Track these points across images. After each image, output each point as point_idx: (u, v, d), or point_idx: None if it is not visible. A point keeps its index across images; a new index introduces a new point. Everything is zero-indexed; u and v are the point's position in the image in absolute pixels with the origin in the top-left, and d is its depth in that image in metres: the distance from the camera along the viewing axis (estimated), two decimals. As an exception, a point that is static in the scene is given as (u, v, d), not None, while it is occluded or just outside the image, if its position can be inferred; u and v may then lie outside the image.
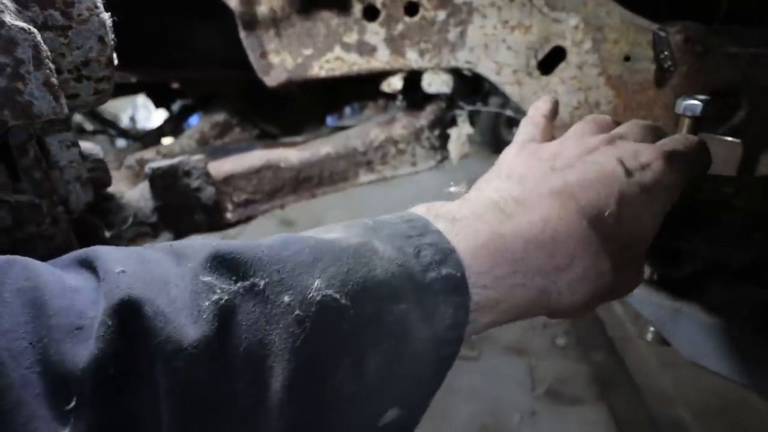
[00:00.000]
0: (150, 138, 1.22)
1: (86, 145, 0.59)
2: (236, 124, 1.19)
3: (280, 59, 0.84)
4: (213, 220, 0.77)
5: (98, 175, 0.48)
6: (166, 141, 1.25)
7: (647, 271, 0.64)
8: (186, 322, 0.26)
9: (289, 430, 0.28)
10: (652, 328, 0.66)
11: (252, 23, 0.81)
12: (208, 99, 1.35)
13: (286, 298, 0.28)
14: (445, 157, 0.95)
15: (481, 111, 0.95)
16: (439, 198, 0.41)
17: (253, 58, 0.83)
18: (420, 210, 0.37)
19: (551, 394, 2.27)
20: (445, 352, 0.33)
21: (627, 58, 0.72)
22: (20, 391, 0.22)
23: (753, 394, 0.57)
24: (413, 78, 0.89)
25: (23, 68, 0.37)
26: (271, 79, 0.84)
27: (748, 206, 0.49)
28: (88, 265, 0.28)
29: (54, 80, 0.38)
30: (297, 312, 0.28)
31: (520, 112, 0.96)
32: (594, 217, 0.36)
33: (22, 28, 0.37)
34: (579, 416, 2.18)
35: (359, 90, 1.23)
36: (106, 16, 0.44)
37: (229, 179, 0.79)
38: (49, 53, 0.38)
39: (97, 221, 0.57)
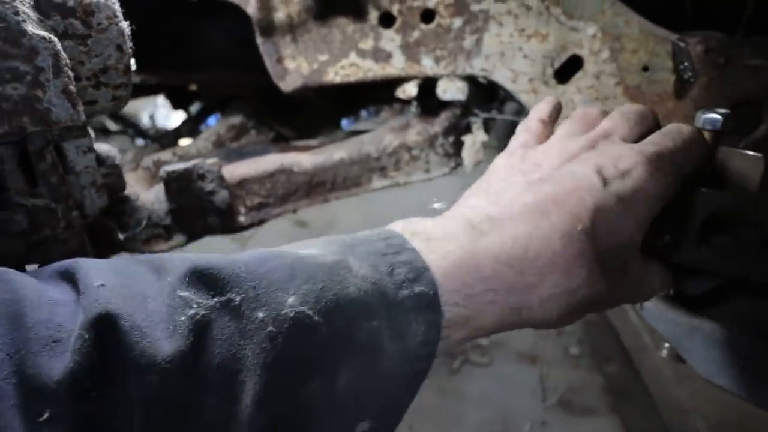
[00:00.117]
0: (167, 139, 1.24)
1: (103, 147, 0.61)
2: (252, 127, 1.20)
3: (296, 65, 0.85)
4: (226, 223, 0.77)
5: (113, 180, 0.48)
6: (184, 142, 1.26)
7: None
8: (161, 336, 0.26)
9: None
10: (667, 344, 0.64)
11: (269, 29, 0.82)
12: (225, 101, 1.37)
13: (261, 314, 0.29)
14: (458, 164, 0.95)
15: (495, 118, 0.94)
16: (451, 200, 0.42)
17: (269, 63, 0.84)
18: (398, 227, 0.38)
19: (563, 404, 2.24)
20: (417, 367, 0.34)
21: (645, 68, 0.70)
22: None
23: (772, 410, 0.55)
24: (428, 84, 0.89)
25: (43, 76, 0.38)
26: (287, 85, 0.85)
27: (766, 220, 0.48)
28: (69, 278, 0.29)
29: (72, 88, 0.39)
30: (270, 328, 0.28)
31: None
32: (566, 233, 0.36)
33: (43, 37, 0.38)
34: (591, 427, 2.14)
35: (374, 94, 1.23)
36: (125, 25, 0.44)
37: (242, 183, 0.79)
38: (68, 61, 0.39)
39: (111, 223, 0.58)
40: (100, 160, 0.57)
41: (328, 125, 1.29)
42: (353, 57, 0.85)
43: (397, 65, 0.85)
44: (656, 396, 2.24)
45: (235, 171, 0.78)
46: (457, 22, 0.81)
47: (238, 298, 0.29)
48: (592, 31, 0.73)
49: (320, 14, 0.83)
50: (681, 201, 0.45)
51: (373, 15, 0.83)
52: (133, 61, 0.48)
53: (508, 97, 0.94)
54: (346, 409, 0.32)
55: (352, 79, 0.86)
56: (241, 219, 0.79)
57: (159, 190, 0.70)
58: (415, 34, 0.83)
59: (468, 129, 0.94)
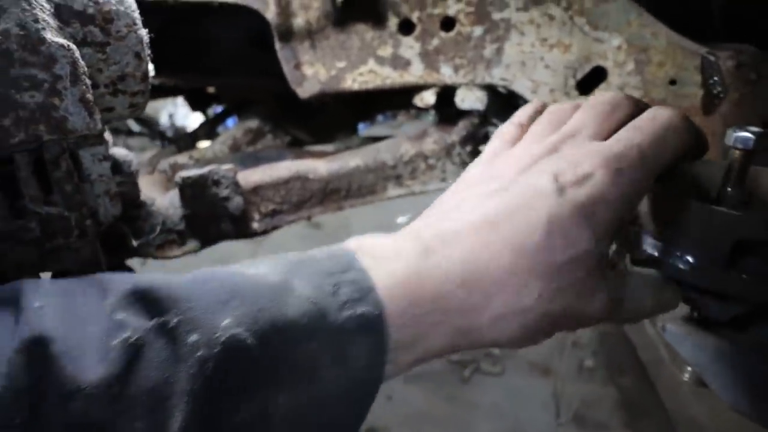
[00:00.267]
0: (185, 142, 1.25)
1: (120, 152, 0.61)
2: (268, 131, 1.20)
3: (314, 71, 0.84)
4: (239, 229, 0.77)
5: (127, 189, 0.48)
6: (201, 145, 1.27)
7: (685, 307, 0.61)
8: (92, 361, 0.26)
9: None
10: (690, 368, 0.62)
11: (287, 35, 0.82)
12: (242, 104, 1.37)
13: (194, 337, 0.28)
14: (475, 174, 0.93)
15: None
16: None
17: (286, 68, 0.84)
18: (351, 244, 0.37)
19: (576, 419, 2.20)
20: (362, 392, 0.32)
21: (672, 82, 0.68)
22: None
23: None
24: (446, 93, 0.88)
25: (60, 84, 0.37)
26: (304, 91, 0.85)
27: None
28: (11, 300, 0.28)
29: (89, 96, 0.39)
30: (201, 352, 0.27)
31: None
32: (517, 249, 0.34)
33: (62, 45, 0.37)
34: (604, 443, 2.10)
35: (391, 99, 1.22)
36: (144, 33, 0.44)
37: (257, 189, 0.79)
38: (86, 69, 0.39)
39: (125, 229, 0.58)
40: (116, 165, 0.57)
41: (345, 130, 1.28)
42: (371, 64, 0.84)
43: (415, 73, 0.84)
44: (672, 412, 2.19)
45: (250, 177, 0.78)
46: (478, 31, 0.80)
47: (174, 321, 0.28)
48: (618, 42, 0.71)
49: (339, 20, 0.82)
50: (701, 220, 0.43)
51: (393, 22, 0.82)
52: (151, 67, 0.48)
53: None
54: None
55: (370, 86, 0.85)
56: (255, 225, 0.79)
57: (174, 195, 0.70)
58: (435, 41, 0.82)
59: (486, 138, 0.92)
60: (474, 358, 2.77)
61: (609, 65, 0.73)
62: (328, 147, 1.24)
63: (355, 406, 0.32)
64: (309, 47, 0.83)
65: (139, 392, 0.26)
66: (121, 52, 0.43)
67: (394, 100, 1.20)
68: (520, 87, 0.80)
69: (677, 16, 0.69)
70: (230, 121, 1.47)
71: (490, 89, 0.85)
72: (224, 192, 0.72)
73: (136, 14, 0.44)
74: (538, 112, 0.47)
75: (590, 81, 0.75)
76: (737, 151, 0.45)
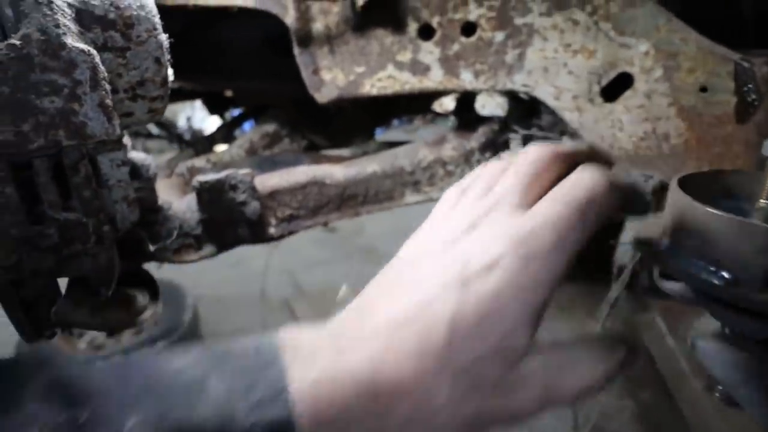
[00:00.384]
0: (202, 145, 1.25)
1: (138, 156, 0.61)
2: (285, 135, 1.20)
3: (332, 76, 0.84)
4: (256, 234, 0.77)
5: (145, 194, 0.48)
6: (218, 148, 1.28)
7: (716, 323, 0.58)
8: None
9: None
10: (720, 387, 0.60)
11: (306, 40, 0.81)
12: (260, 108, 1.38)
13: None
14: (494, 181, 0.92)
15: (535, 135, 0.91)
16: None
17: (305, 74, 0.83)
18: (282, 336, 0.34)
19: (595, 431, 2.15)
20: None
21: (703, 89, 0.66)
22: None
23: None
24: (466, 99, 0.87)
25: (80, 89, 0.37)
26: (322, 96, 0.84)
27: None
28: None
29: (108, 102, 0.38)
30: None
31: (577, 138, 0.91)
32: (420, 352, 0.32)
33: (82, 50, 0.37)
34: (622, 457, 2.05)
35: (410, 105, 1.21)
36: (164, 38, 0.44)
37: (274, 194, 0.78)
38: (106, 74, 0.39)
39: (142, 233, 0.58)
40: (135, 170, 0.56)
41: (362, 135, 1.28)
42: (390, 69, 0.83)
43: (435, 78, 0.83)
44: (693, 427, 2.13)
45: (267, 182, 0.78)
46: (499, 36, 0.78)
47: (84, 416, 0.27)
48: (645, 48, 0.69)
49: (358, 25, 0.81)
50: (739, 235, 0.41)
51: (413, 27, 0.81)
52: (171, 72, 0.48)
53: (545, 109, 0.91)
54: None
55: (389, 91, 0.84)
56: (272, 230, 0.78)
57: (191, 199, 0.70)
58: (455, 47, 0.81)
59: (506, 145, 0.91)
60: (488, 366, 2.72)
61: (635, 71, 0.70)
62: (344, 152, 1.23)
63: None
64: (328, 52, 0.83)
65: None
66: (141, 57, 0.43)
67: (413, 106, 1.19)
68: (543, 93, 0.78)
69: (708, 22, 0.66)
70: (247, 125, 1.47)
71: (511, 95, 0.83)
72: (241, 196, 0.72)
73: (157, 19, 0.43)
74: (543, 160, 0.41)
75: (615, 87, 0.73)
76: (775, 163, 0.43)
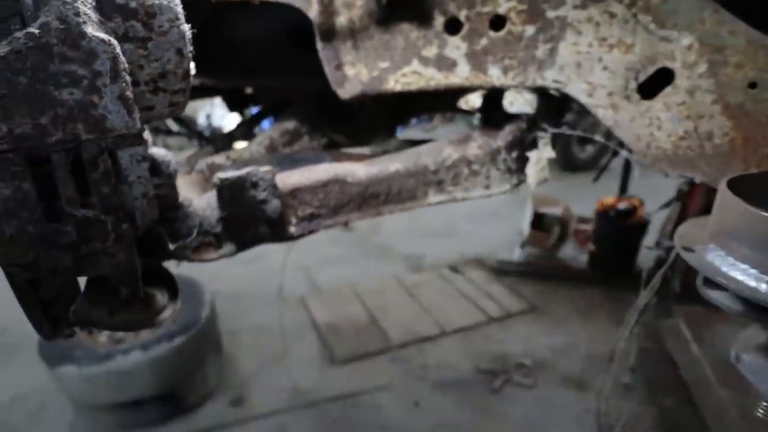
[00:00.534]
0: (222, 142, 1.24)
1: (159, 152, 0.59)
2: (305, 132, 1.18)
3: (356, 71, 0.81)
4: (276, 233, 0.75)
5: (165, 191, 0.46)
6: (238, 145, 1.27)
7: (763, 336, 0.55)
8: None
9: None
10: (765, 403, 0.56)
11: (330, 34, 0.79)
12: (279, 105, 1.36)
13: None
14: (521, 181, 0.88)
15: (565, 133, 0.87)
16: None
17: (328, 69, 0.81)
18: None
19: (614, 439, 2.10)
20: None
21: (752, 85, 0.62)
22: None
23: None
24: (493, 95, 0.84)
25: (100, 81, 0.35)
26: (345, 92, 0.82)
27: None
28: None
29: (129, 94, 0.37)
30: None
31: (610, 138, 0.87)
32: None
33: (103, 40, 0.35)
34: (644, 467, 1.99)
35: (434, 101, 1.18)
36: (186, 28, 0.42)
37: (295, 192, 0.77)
38: (126, 66, 0.37)
39: (161, 231, 0.56)
40: (155, 166, 0.55)
41: (383, 132, 1.25)
42: (415, 64, 0.81)
43: (461, 74, 0.80)
44: (718, 436, 2.05)
45: (288, 180, 0.76)
46: (530, 30, 0.75)
47: None
48: (688, 41, 0.65)
49: (383, 19, 0.79)
50: None
51: (439, 21, 0.78)
52: (193, 65, 0.46)
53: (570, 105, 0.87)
54: None
55: (414, 87, 0.81)
56: (292, 229, 0.76)
57: (211, 196, 0.68)
58: (483, 41, 0.78)
59: (534, 144, 0.87)
60: (505, 369, 2.69)
61: (677, 66, 0.67)
62: (365, 149, 1.21)
63: None
64: (351, 47, 0.80)
65: None
66: (163, 48, 0.41)
67: (438, 103, 1.16)
68: (575, 90, 0.75)
69: (759, 13, 0.62)
70: (267, 122, 1.46)
71: (540, 92, 0.80)
72: (262, 194, 0.70)
73: (179, 8, 0.41)
74: None
75: (654, 84, 0.69)
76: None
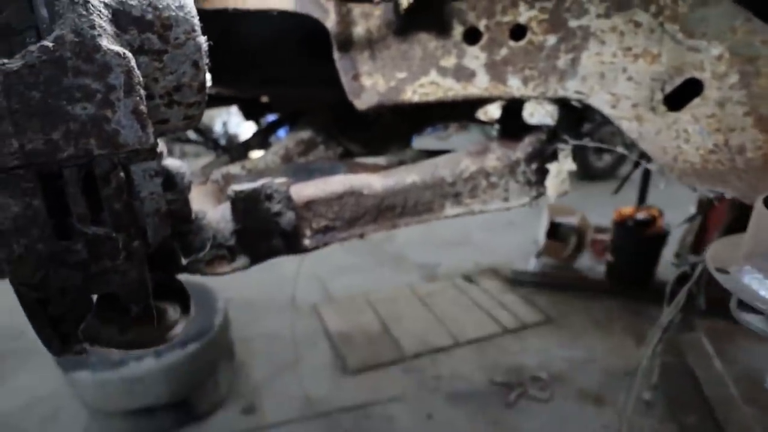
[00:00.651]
0: (238, 151, 1.24)
1: (174, 164, 0.58)
2: (321, 142, 1.17)
3: (373, 82, 0.80)
4: (290, 245, 0.74)
5: (178, 207, 0.45)
6: (254, 155, 1.26)
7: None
8: None
9: None
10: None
11: (347, 44, 0.78)
12: (295, 114, 1.36)
13: None
14: (541, 194, 0.86)
15: (586, 145, 0.85)
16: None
17: (344, 79, 0.80)
18: None
19: (634, 458, 2.04)
20: None
21: (788, 98, 0.59)
22: None
23: None
24: (512, 106, 0.82)
25: (114, 95, 0.35)
26: (362, 103, 0.81)
27: None
28: None
29: (143, 108, 0.36)
30: None
31: (632, 149, 0.85)
32: None
33: (117, 53, 0.35)
34: (665, 487, 1.93)
35: (451, 112, 1.17)
36: (203, 40, 0.41)
37: (310, 204, 0.75)
38: (141, 79, 0.36)
39: (175, 245, 0.56)
40: (169, 178, 0.54)
41: (399, 142, 1.24)
42: (433, 75, 0.79)
43: (480, 85, 0.78)
44: (743, 457, 1.98)
45: (303, 192, 0.75)
46: (551, 40, 0.73)
47: None
48: (718, 51, 0.62)
49: (401, 29, 0.78)
50: None
51: (458, 31, 0.77)
52: (209, 76, 0.45)
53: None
54: None
55: (431, 98, 0.80)
56: (306, 242, 0.75)
57: (225, 209, 0.67)
58: (503, 51, 0.76)
59: (554, 156, 0.85)
60: (520, 382, 2.64)
61: (706, 77, 0.64)
62: (380, 159, 1.20)
63: None
64: (368, 57, 0.79)
65: None
66: (179, 60, 0.40)
67: (455, 113, 1.14)
68: (598, 101, 0.73)
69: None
70: (282, 131, 1.46)
71: (562, 103, 0.77)
72: (276, 207, 0.69)
73: (196, 20, 0.41)
74: None
75: (682, 95, 0.67)
76: None
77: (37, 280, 0.34)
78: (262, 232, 0.69)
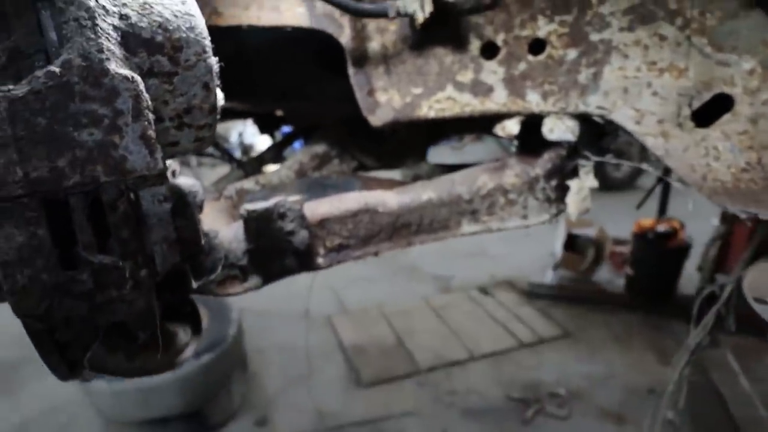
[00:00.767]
0: (252, 166, 1.24)
1: (186, 182, 0.57)
2: (335, 156, 1.16)
3: (388, 97, 0.79)
4: (303, 264, 0.72)
5: (187, 234, 0.44)
6: (268, 169, 1.26)
7: None
8: None
9: None
10: None
11: (362, 59, 0.77)
12: (310, 128, 1.35)
13: None
14: (561, 211, 0.83)
15: (608, 162, 0.82)
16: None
17: (359, 95, 0.79)
18: None
19: (658, 482, 1.96)
20: None
21: (827, 115, 0.56)
22: None
23: None
24: (532, 122, 0.80)
25: (121, 120, 0.34)
26: (377, 119, 0.79)
27: None
28: None
29: (151, 133, 0.35)
30: None
31: (659, 166, 0.82)
32: None
33: (126, 77, 0.34)
34: None
35: (469, 127, 1.15)
36: (214, 61, 0.40)
37: (323, 222, 0.74)
38: (149, 103, 0.35)
39: (185, 267, 0.54)
40: (181, 198, 0.53)
41: (414, 156, 1.22)
42: (450, 90, 0.77)
43: (498, 100, 0.76)
44: (772, 481, 1.89)
45: (316, 209, 0.73)
46: (572, 54, 0.71)
47: None
48: (749, 65, 0.60)
49: (417, 44, 0.77)
50: None
51: (475, 45, 0.75)
52: (221, 96, 0.44)
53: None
54: None
55: (448, 114, 0.78)
56: (320, 261, 0.73)
57: (238, 227, 0.66)
58: (521, 66, 0.74)
59: (574, 172, 0.82)
60: (538, 398, 2.58)
61: (737, 92, 0.61)
62: (395, 174, 1.18)
63: None
64: (383, 72, 0.78)
65: None
66: (189, 82, 0.39)
67: (473, 129, 1.12)
68: (621, 117, 0.70)
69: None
70: (297, 144, 1.46)
71: (583, 118, 0.75)
72: (290, 225, 0.68)
73: (207, 41, 0.40)
74: None
75: (710, 111, 0.64)
76: None
77: (41, 311, 0.33)
78: (275, 251, 0.68)
